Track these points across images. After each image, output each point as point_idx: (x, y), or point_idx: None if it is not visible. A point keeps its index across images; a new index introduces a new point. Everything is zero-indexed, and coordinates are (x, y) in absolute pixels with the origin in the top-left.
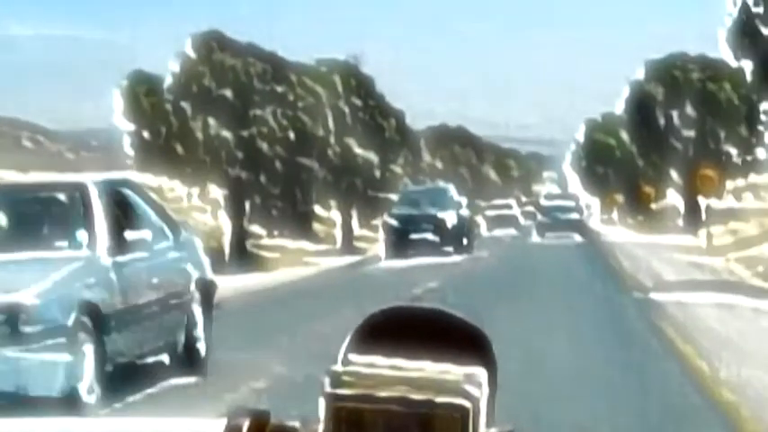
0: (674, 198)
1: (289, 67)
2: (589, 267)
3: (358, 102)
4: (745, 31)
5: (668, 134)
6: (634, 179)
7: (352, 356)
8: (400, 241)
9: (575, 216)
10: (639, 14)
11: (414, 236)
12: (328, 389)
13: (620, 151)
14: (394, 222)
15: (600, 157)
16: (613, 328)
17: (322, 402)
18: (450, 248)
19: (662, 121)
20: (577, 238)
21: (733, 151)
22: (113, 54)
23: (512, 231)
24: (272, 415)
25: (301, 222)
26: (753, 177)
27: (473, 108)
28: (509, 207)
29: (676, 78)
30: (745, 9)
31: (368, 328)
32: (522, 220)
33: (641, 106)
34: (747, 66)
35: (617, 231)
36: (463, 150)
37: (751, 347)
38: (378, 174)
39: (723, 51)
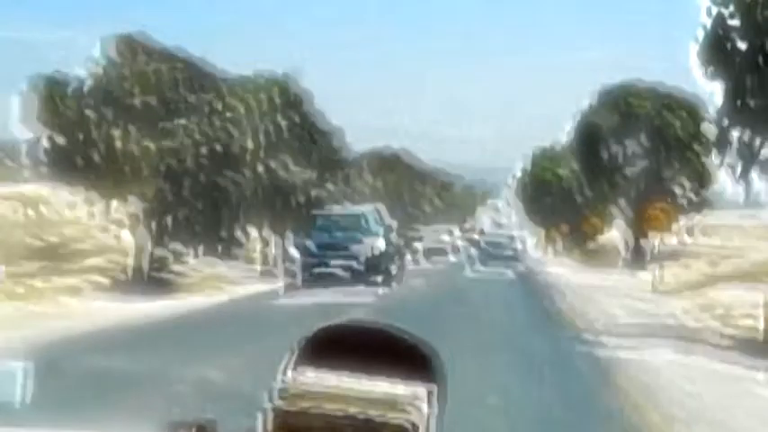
0: (619, 233)
1: (217, 75)
2: (530, 306)
3: (295, 117)
4: (719, 46)
5: (618, 165)
6: (578, 212)
7: (297, 370)
8: (316, 270)
9: (515, 246)
10: (599, 46)
11: (332, 264)
12: (271, 403)
13: (565, 183)
14: (309, 249)
15: (543, 188)
16: (560, 390)
17: (264, 416)
18: (374, 279)
19: (612, 152)
20: (519, 268)
21: (686, 186)
22: (62, 55)
23: (450, 260)
24: (218, 425)
25: (228, 242)
26: (704, 215)
27: (419, 132)
28: (449, 234)
29: (629, 107)
30: (720, 21)
31: (314, 343)
32: (461, 249)
33: (591, 135)
34: (718, 87)
35: (559, 265)
36: (406, 173)
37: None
38: (313, 194)
39: (693, 68)
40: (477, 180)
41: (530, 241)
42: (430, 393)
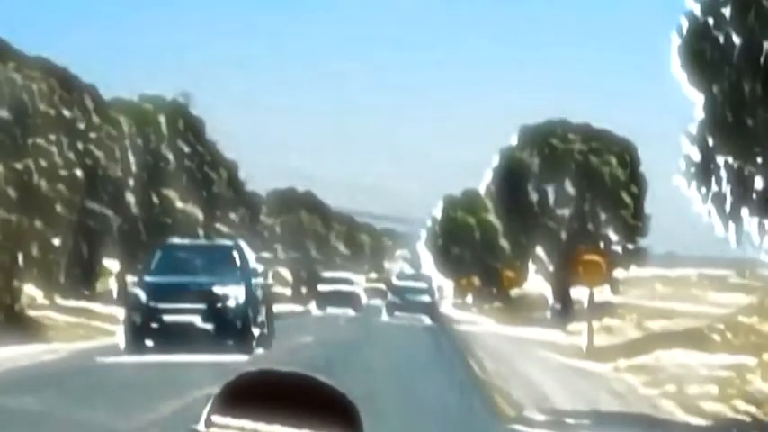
0: (539, 285)
1: (84, 89)
2: (443, 372)
3: (184, 147)
4: (707, 40)
5: (541, 212)
6: (494, 261)
7: (216, 418)
8: (150, 325)
9: (426, 298)
10: (522, 92)
11: (170, 318)
12: None
13: (480, 231)
14: (142, 295)
15: (457, 237)
16: None
17: None
18: (230, 341)
19: (534, 197)
20: (431, 322)
21: (613, 238)
22: None
23: (349, 312)
24: None
25: (90, 282)
26: (634, 269)
27: (327, 176)
28: (349, 282)
29: (554, 148)
30: (711, 8)
31: (234, 390)
32: (364, 299)
33: (512, 178)
34: (699, 98)
35: (474, 319)
36: (310, 218)
37: None
38: (201, 232)
39: (674, 69)
40: (386, 229)
41: (444, 291)
42: None
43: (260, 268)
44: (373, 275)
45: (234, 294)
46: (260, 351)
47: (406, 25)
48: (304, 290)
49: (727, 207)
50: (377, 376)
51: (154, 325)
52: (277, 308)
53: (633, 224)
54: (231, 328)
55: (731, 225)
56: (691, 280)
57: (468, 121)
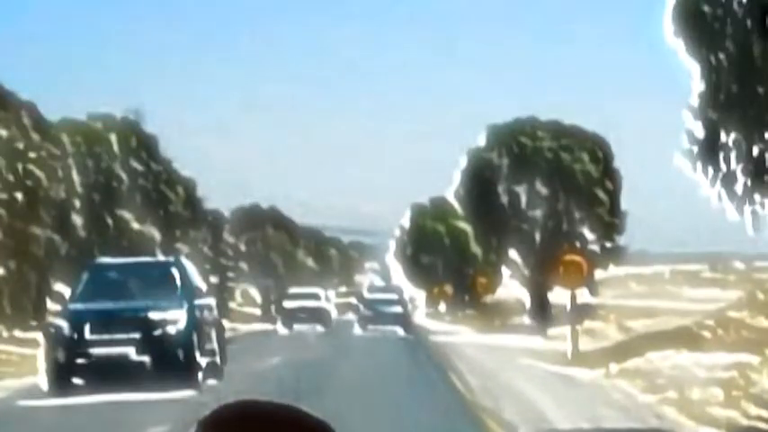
0: (514, 289)
1: (21, 106)
2: (424, 392)
3: (138, 165)
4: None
5: (513, 214)
6: (466, 268)
7: None
8: (76, 361)
9: (398, 309)
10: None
11: (100, 351)
12: None
13: (450, 238)
14: (65, 326)
15: (427, 245)
16: None
17: None
18: (172, 374)
19: (505, 198)
20: (406, 334)
21: (589, 237)
22: None
23: (318, 328)
24: None
25: (40, 310)
26: (612, 269)
27: (293, 191)
28: (316, 297)
29: (524, 146)
30: None
31: (212, 424)
32: (334, 314)
33: (481, 180)
34: (695, 69)
35: (449, 329)
36: (276, 234)
37: None
38: (159, 254)
39: (668, 39)
40: (355, 242)
41: (417, 301)
42: None
43: (204, 287)
44: (343, 289)
45: (174, 319)
46: (211, 383)
47: (381, 31)
48: (273, 309)
49: (739, 189)
50: (353, 401)
51: (81, 360)
52: (241, 328)
53: (609, 221)
54: (172, 359)
55: (747, 209)
56: (664, 277)
57: (438, 129)
